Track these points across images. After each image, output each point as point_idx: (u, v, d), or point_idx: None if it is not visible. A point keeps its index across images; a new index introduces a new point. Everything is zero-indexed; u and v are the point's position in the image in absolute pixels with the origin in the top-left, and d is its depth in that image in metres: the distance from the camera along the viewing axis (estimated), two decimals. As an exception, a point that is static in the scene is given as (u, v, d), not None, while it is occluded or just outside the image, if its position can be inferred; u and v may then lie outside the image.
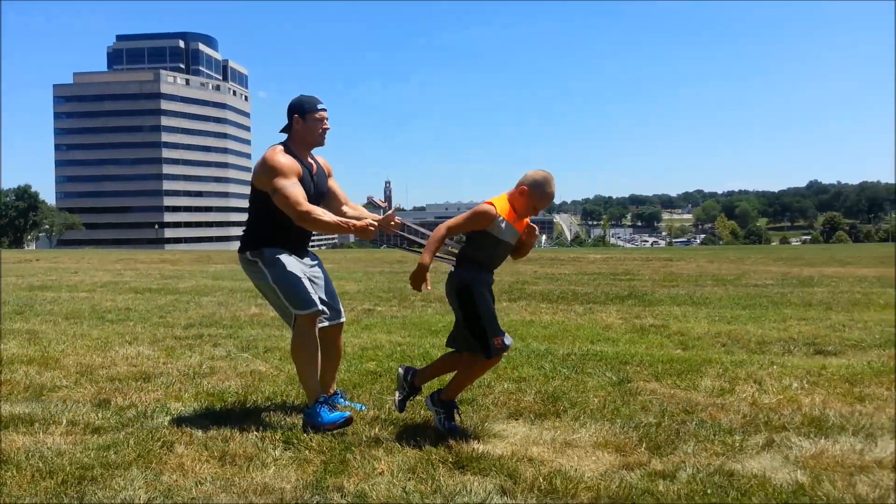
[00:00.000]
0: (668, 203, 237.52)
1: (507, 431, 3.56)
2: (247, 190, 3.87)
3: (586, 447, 3.30)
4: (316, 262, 3.94)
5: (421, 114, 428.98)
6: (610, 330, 6.99)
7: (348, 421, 3.48)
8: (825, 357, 5.55)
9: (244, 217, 4.13)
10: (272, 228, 3.69)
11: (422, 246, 3.60)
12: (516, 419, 3.78)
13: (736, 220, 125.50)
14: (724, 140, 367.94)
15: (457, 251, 3.57)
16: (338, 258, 26.24)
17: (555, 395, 4.23)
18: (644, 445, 3.31)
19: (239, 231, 4.04)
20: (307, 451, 3.18)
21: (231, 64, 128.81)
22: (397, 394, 3.67)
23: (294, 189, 3.55)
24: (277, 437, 3.37)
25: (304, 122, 3.73)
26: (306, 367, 3.63)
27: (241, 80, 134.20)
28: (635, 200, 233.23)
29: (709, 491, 2.71)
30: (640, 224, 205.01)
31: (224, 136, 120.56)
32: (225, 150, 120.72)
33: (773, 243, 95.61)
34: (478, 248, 3.43)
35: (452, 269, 3.52)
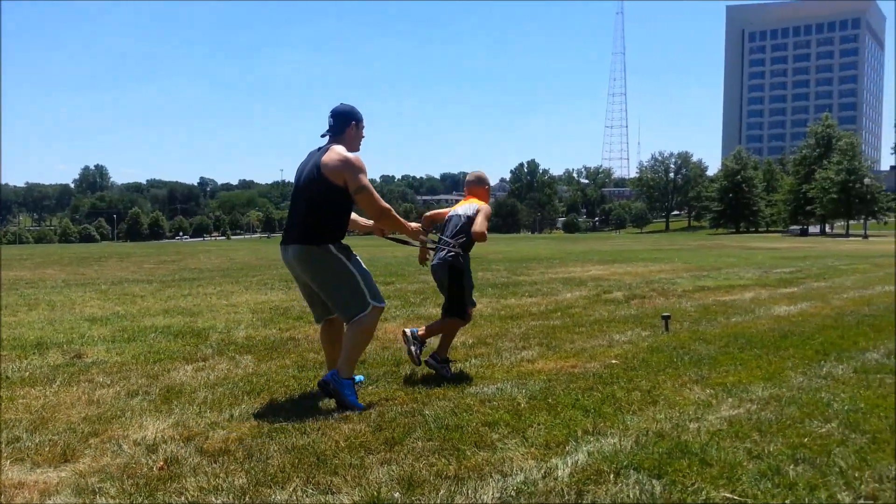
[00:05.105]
0: None
1: None
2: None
3: None
4: None
5: None
6: None
7: (359, 410, 3.75)
8: None
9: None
10: (343, 223, 4.00)
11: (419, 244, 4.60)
12: None
13: None
14: None
15: (454, 245, 4.55)
16: None
17: None
18: None
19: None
20: None
21: None
22: (413, 349, 4.48)
23: (373, 189, 3.89)
24: None
25: (356, 130, 4.03)
26: (361, 347, 4.02)
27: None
28: None
29: None
30: None
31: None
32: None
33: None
34: (468, 240, 4.56)
35: (440, 256, 4.56)
